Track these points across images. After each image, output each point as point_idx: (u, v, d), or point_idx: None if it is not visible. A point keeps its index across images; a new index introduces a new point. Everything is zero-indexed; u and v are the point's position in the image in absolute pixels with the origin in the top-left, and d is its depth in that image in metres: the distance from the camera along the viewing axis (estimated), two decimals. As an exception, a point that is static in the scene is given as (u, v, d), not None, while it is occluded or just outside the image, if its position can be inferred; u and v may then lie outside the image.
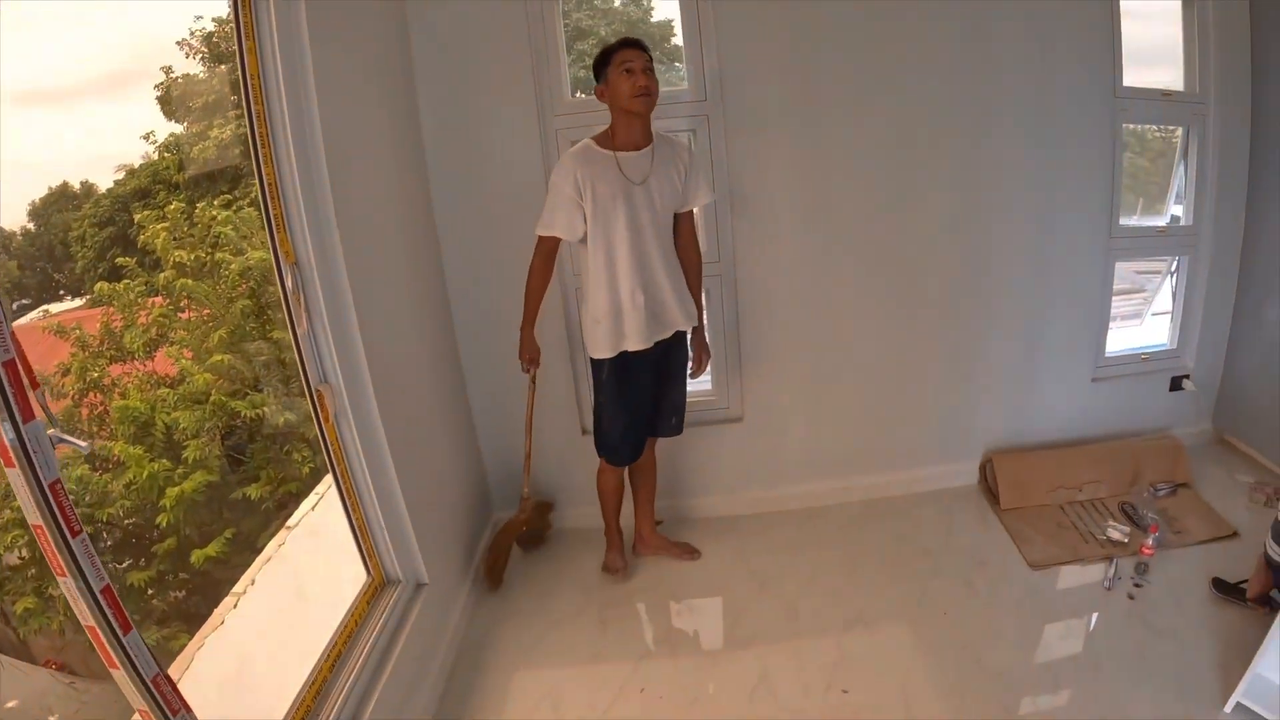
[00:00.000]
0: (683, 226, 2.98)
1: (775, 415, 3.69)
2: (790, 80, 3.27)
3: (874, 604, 3.12)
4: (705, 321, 3.22)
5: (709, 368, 3.30)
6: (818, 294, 3.55)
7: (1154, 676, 2.69)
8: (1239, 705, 2.50)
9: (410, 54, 3.09)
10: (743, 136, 3.31)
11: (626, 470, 3.28)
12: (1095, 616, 3.03)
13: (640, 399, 3.05)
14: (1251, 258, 3.96)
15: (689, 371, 3.22)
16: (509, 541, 3.42)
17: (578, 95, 3.34)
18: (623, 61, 2.64)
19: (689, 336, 3.15)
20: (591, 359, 2.99)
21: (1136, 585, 3.11)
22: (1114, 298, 4.03)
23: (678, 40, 3.23)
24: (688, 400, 3.28)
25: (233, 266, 6.83)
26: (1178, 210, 4.05)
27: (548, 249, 2.84)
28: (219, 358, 6.40)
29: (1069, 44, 3.43)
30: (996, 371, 3.78)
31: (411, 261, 3.05)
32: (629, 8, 3.36)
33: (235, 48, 2.16)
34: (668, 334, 2.99)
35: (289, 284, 2.31)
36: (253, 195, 6.68)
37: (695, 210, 3.05)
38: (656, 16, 3.37)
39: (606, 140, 2.77)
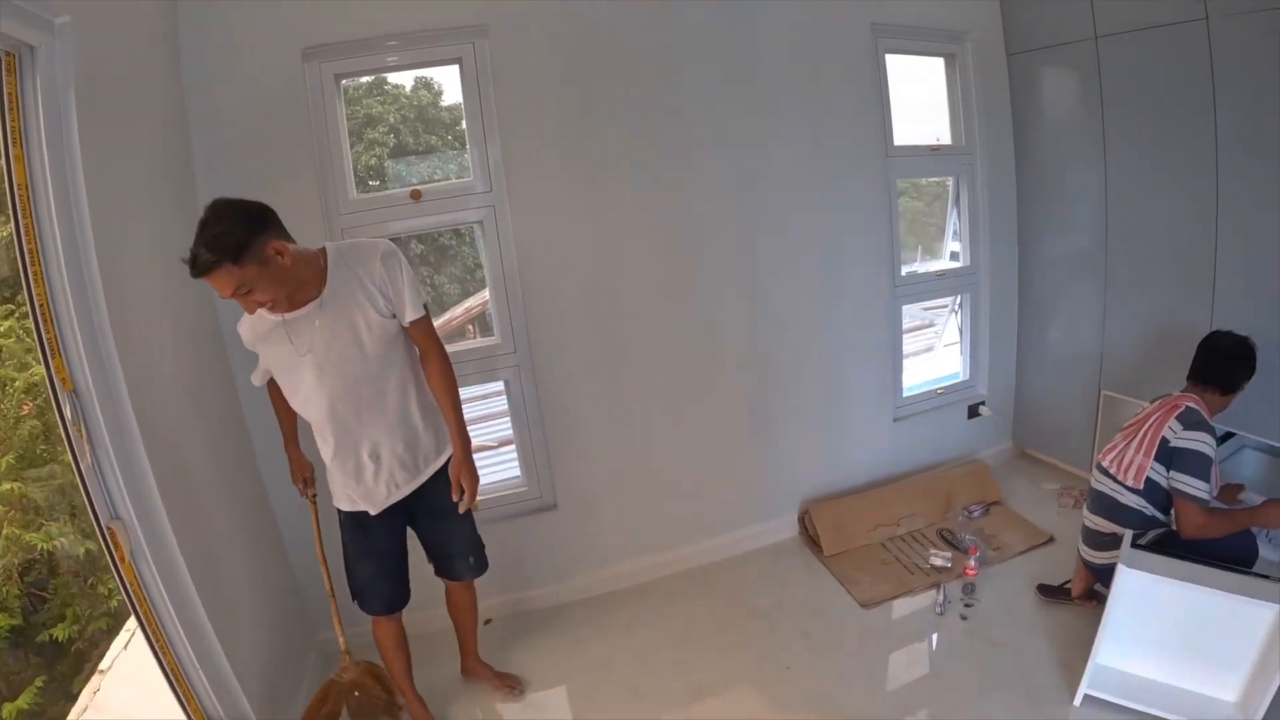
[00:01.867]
0: (415, 341, 2.49)
1: (590, 498, 3.61)
2: (576, 163, 3.28)
3: (716, 671, 3.09)
4: (464, 442, 2.56)
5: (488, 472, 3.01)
6: (616, 373, 3.52)
7: (1002, 686, 2.84)
8: (1087, 696, 2.70)
9: (189, 155, 2.89)
10: (530, 224, 3.26)
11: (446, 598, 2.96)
12: (935, 641, 3.16)
13: (387, 545, 2.63)
14: (1027, 288, 4.37)
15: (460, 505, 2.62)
16: (335, 711, 2.86)
17: (371, 185, 3.22)
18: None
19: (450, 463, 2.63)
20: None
21: (967, 605, 3.29)
22: (907, 335, 4.30)
23: (470, 125, 3.21)
24: (496, 494, 3.10)
25: (17, 384, 6.27)
26: (956, 249, 4.39)
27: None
28: (8, 485, 5.83)
29: (844, 110, 3.70)
30: (802, 425, 3.90)
31: (200, 380, 2.79)
32: (419, 93, 3.31)
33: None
34: (417, 484, 2.56)
35: (68, 413, 2.13)
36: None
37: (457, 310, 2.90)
38: (447, 100, 3.32)
39: None
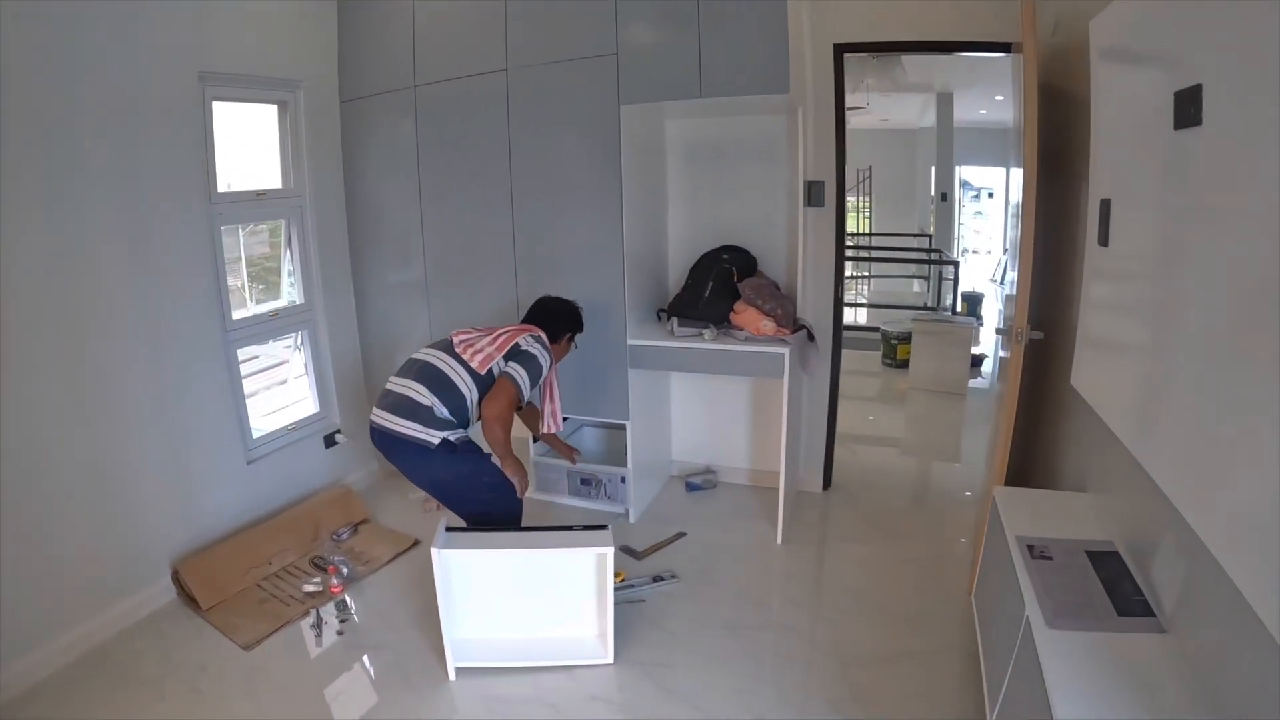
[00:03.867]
0: None
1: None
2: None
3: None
4: None
5: None
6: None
7: (386, 684, 3.04)
8: (459, 669, 3.03)
9: None
10: None
11: None
12: (319, 662, 3.25)
13: None
14: (366, 317, 4.77)
15: None
16: None
17: None
18: None
19: None
20: None
21: (342, 621, 3.45)
22: (260, 374, 4.39)
23: None
24: None
25: None
26: (293, 288, 4.54)
27: None
28: None
29: (166, 159, 3.57)
30: (153, 484, 3.65)
31: None
32: None
33: None
34: None
35: None
36: None
37: None
38: None
39: None
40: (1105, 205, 2.25)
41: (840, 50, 4.00)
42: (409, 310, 4.57)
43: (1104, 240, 2.27)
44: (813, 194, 4.11)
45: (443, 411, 3.23)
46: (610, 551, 2.93)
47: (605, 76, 3.75)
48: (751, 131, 4.20)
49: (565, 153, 3.95)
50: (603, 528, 3.04)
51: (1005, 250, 13.54)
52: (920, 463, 5.55)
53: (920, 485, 5.13)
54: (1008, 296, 3.81)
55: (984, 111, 11.70)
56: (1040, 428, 3.39)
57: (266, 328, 4.32)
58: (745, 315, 3.90)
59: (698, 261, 4.21)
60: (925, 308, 9.45)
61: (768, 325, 3.82)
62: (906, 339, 7.27)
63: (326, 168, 4.48)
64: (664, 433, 4.74)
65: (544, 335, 3.51)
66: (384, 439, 3.29)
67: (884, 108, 11.22)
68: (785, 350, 3.71)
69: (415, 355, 3.44)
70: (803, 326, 4.01)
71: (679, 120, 4.32)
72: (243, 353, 4.13)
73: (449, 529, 3.03)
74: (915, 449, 5.84)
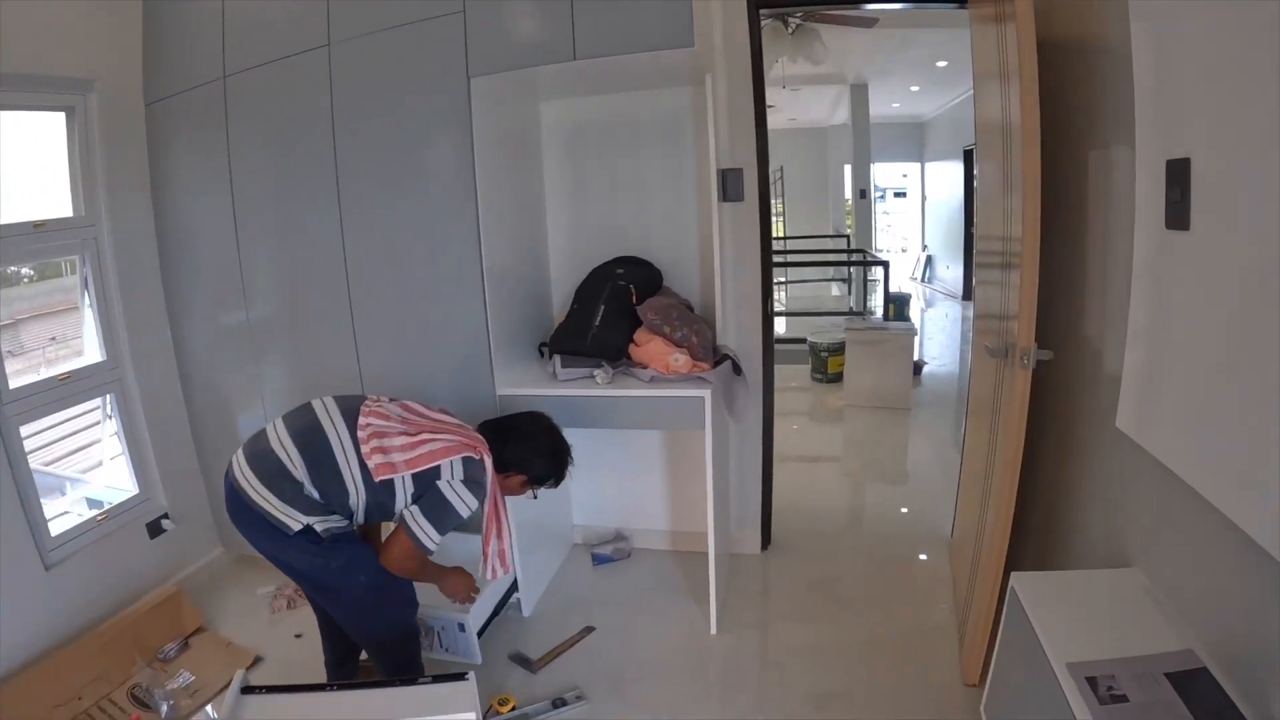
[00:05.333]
0: None
1: None
2: None
3: None
4: None
5: None
6: None
7: None
8: None
9: None
10: None
11: None
12: None
13: None
14: (190, 371, 3.85)
15: None
16: None
17: None
18: None
19: None
20: None
21: (160, 783, 2.58)
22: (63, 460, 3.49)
23: None
24: None
25: None
26: (94, 346, 3.61)
27: None
28: None
29: None
30: None
31: None
32: None
33: None
34: None
35: None
36: None
37: None
38: None
39: None
40: (1180, 170, 1.58)
41: (755, 5, 3.32)
42: (238, 363, 3.70)
43: (1180, 221, 1.59)
44: (729, 185, 3.39)
45: (311, 493, 2.35)
46: (474, 717, 2.04)
47: (449, 42, 2.98)
48: (650, 111, 3.47)
49: (403, 145, 3.17)
50: (461, 677, 2.15)
51: (924, 248, 13.41)
52: (870, 500, 4.83)
53: (875, 532, 4.31)
54: (979, 302, 3.16)
55: (897, 105, 11.37)
56: (1035, 473, 2.72)
57: (56, 395, 3.37)
58: (649, 348, 3.11)
59: (585, 280, 3.45)
60: (851, 312, 8.92)
61: (679, 360, 3.04)
62: (838, 350, 6.67)
63: (130, 187, 3.60)
64: (560, 495, 3.83)
65: (487, 461, 2.55)
66: (234, 498, 2.39)
67: (793, 105, 10.82)
68: (705, 393, 2.94)
69: (315, 404, 2.53)
70: (726, 357, 3.26)
71: (558, 101, 3.57)
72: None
73: (245, 689, 2.13)
74: (862, 481, 5.14)
